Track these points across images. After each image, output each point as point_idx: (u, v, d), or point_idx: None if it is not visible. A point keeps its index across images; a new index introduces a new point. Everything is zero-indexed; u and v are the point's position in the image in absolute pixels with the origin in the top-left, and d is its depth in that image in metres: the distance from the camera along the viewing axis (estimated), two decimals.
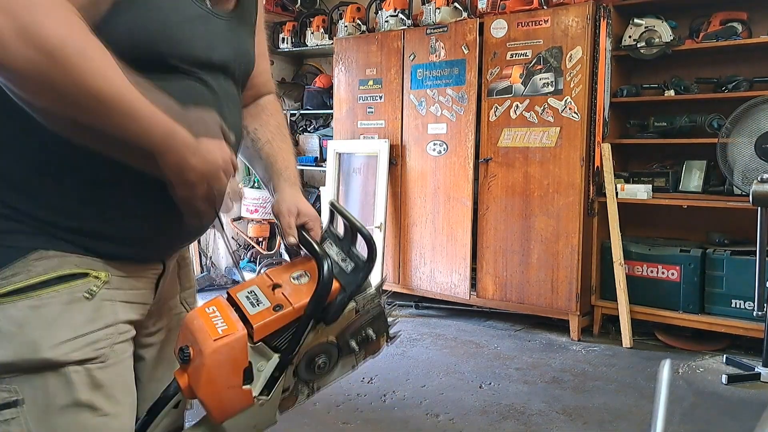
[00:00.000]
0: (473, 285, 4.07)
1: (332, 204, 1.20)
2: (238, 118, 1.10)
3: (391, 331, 1.14)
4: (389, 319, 1.13)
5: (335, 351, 1.07)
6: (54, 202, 0.92)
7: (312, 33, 5.13)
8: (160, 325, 1.14)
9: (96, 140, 0.87)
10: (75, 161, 0.91)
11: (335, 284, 1.03)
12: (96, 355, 0.94)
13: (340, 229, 1.17)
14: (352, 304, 1.05)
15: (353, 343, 1.07)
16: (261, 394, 0.99)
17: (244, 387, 0.97)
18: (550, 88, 3.71)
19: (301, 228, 1.12)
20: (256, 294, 1.03)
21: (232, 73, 1.06)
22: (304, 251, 1.12)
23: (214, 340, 0.94)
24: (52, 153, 0.90)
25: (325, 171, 4.80)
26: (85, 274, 0.94)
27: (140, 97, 0.82)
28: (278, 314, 0.99)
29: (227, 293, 1.05)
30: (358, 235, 1.11)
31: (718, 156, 3.36)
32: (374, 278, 1.09)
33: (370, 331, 1.09)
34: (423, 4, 4.36)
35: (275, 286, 1.04)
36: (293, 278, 1.06)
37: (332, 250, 1.10)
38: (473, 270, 4.06)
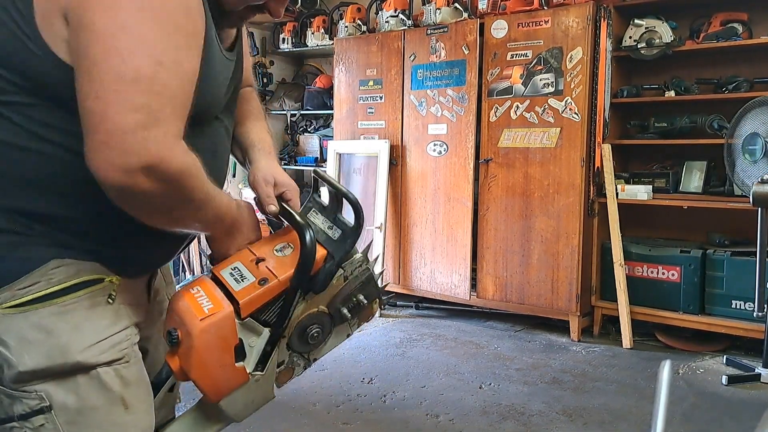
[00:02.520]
0: (473, 285, 4.07)
1: (315, 171, 1.21)
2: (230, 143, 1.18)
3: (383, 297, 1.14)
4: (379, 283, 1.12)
5: (328, 320, 1.06)
6: (63, 219, 0.93)
7: (312, 33, 5.13)
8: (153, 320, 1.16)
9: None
10: (81, 179, 0.92)
11: (322, 252, 1.02)
12: (121, 355, 0.96)
13: (325, 197, 1.17)
14: (339, 272, 1.04)
15: (345, 311, 1.06)
16: (255, 369, 0.98)
17: (237, 364, 0.96)
18: (551, 89, 3.71)
19: (279, 198, 1.12)
20: (240, 270, 1.02)
21: (234, 105, 1.14)
22: (285, 222, 1.12)
23: (201, 320, 0.94)
24: (59, 175, 0.92)
25: (325, 171, 4.79)
26: (101, 279, 0.96)
27: (230, 208, 1.02)
28: (264, 288, 0.98)
29: (211, 272, 1.04)
30: (344, 202, 1.11)
31: (724, 156, 3.34)
32: (361, 244, 1.09)
33: (361, 297, 1.08)
34: (423, 4, 4.36)
35: (258, 260, 1.03)
36: (276, 251, 1.05)
37: (318, 219, 1.10)
38: (473, 270, 4.06)
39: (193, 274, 4.97)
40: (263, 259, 1.03)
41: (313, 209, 1.13)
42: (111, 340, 0.95)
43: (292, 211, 1.08)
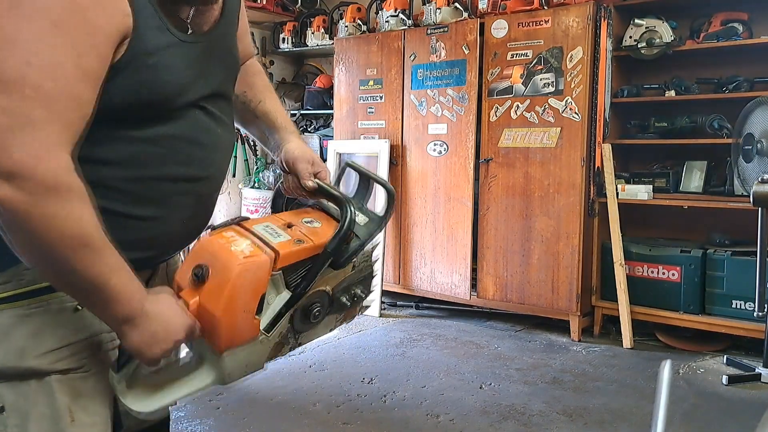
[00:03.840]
0: (474, 285, 4.07)
1: (348, 163, 1.24)
2: (231, 134, 1.13)
3: (364, 302, 1.16)
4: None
5: (327, 303, 1.07)
6: None
7: (312, 33, 5.14)
8: None
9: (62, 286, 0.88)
10: None
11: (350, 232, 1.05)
12: (79, 365, 0.95)
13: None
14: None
15: (344, 299, 1.08)
16: (265, 329, 0.98)
17: (255, 317, 0.96)
18: (551, 89, 3.70)
19: (315, 176, 1.15)
20: (273, 228, 1.02)
21: (225, 91, 1.09)
22: (309, 202, 1.15)
23: (244, 258, 0.93)
24: None
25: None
26: None
27: (133, 290, 0.87)
28: (301, 246, 0.99)
29: (241, 225, 1.03)
30: (373, 191, 1.16)
31: (731, 156, 3.33)
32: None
33: (359, 291, 1.10)
34: (424, 4, 4.36)
35: (289, 225, 1.04)
36: (305, 222, 1.07)
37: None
38: (474, 270, 4.06)
39: None
40: (294, 225, 1.04)
41: None
42: (71, 348, 0.93)
43: (329, 188, 1.12)
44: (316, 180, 1.14)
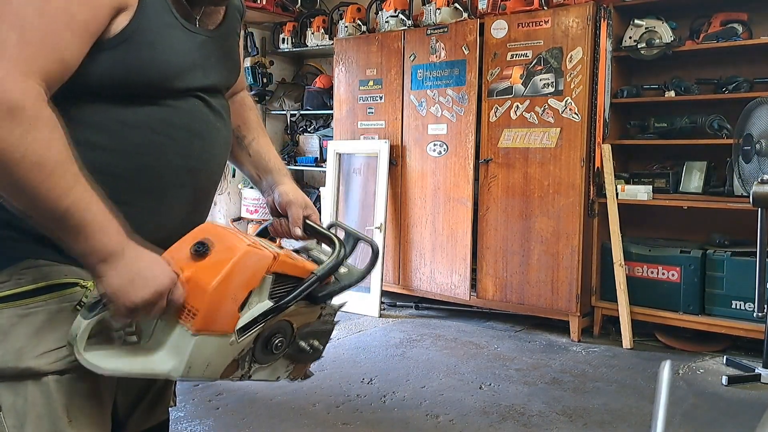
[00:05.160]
0: (473, 286, 4.07)
1: (334, 222, 1.28)
2: (229, 131, 1.15)
3: (310, 369, 1.19)
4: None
5: (288, 341, 1.07)
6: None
7: (312, 33, 5.14)
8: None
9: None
10: None
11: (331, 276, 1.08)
12: (77, 365, 0.93)
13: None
14: (319, 308, 1.10)
15: (303, 343, 1.10)
16: (238, 331, 0.97)
17: (238, 311, 0.96)
18: (551, 89, 3.70)
19: (307, 219, 1.18)
20: (266, 243, 1.04)
21: (223, 89, 1.11)
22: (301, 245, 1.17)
23: (248, 245, 0.95)
24: None
25: (325, 171, 4.80)
26: (74, 284, 0.94)
27: (107, 222, 0.84)
28: (293, 262, 1.02)
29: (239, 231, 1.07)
30: (356, 247, 1.20)
31: (732, 156, 3.34)
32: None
33: (316, 343, 1.13)
34: (423, 4, 4.36)
35: (281, 247, 1.06)
36: (293, 254, 1.10)
37: (322, 255, 1.15)
38: (473, 271, 4.06)
39: None
40: (284, 249, 1.06)
41: (316, 249, 1.20)
42: (69, 348, 0.92)
43: (322, 229, 1.16)
44: (309, 222, 1.17)
